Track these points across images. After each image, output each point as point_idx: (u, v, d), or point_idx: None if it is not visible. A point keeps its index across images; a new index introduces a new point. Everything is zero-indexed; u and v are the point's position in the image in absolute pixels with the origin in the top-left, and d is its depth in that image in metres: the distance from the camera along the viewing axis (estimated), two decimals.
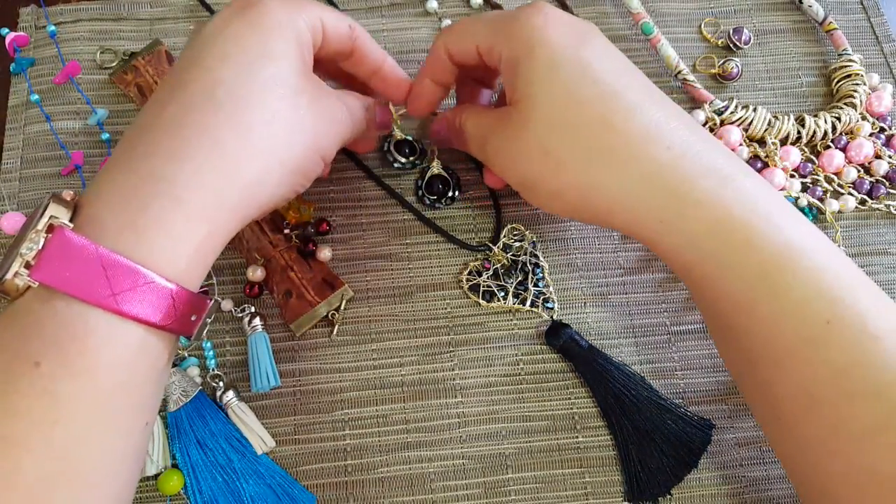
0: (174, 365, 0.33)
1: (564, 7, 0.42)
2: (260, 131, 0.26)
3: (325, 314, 0.34)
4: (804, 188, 0.39)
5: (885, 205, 0.38)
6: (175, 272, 0.23)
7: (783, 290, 0.25)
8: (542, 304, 0.35)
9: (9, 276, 0.22)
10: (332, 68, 0.34)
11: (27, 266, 0.22)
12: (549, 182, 0.29)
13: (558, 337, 0.34)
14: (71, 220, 0.23)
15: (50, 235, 0.22)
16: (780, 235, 0.26)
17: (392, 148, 0.37)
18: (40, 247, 0.22)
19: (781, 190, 0.38)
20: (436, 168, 0.37)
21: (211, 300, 0.26)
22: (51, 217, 0.22)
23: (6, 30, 0.40)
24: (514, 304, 0.35)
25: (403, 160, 0.37)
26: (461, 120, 0.33)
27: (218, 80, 0.25)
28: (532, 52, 0.28)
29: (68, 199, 0.23)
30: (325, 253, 0.35)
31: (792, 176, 0.39)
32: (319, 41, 0.29)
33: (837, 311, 0.24)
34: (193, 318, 0.25)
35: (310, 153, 0.28)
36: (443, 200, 0.37)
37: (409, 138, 0.38)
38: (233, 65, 0.26)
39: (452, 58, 0.32)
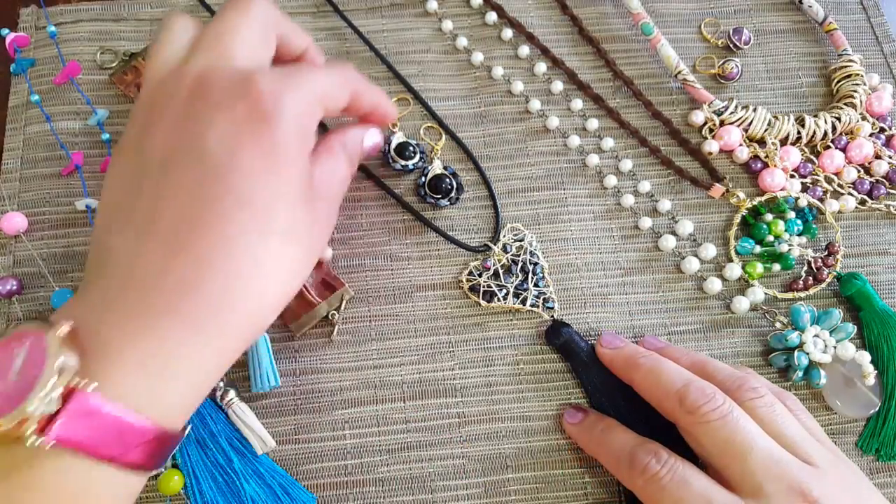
0: None
1: (564, 8, 0.42)
2: (276, 288, 0.25)
3: (325, 314, 0.34)
4: (804, 188, 0.39)
5: (885, 205, 0.38)
6: (176, 422, 0.24)
7: None
8: (542, 303, 0.35)
9: (29, 432, 0.20)
10: None
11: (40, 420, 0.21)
12: None
13: (558, 335, 0.34)
14: (81, 368, 0.22)
15: (69, 395, 0.21)
16: None
17: (393, 151, 0.37)
18: (58, 406, 0.21)
19: (781, 191, 0.38)
20: (437, 168, 0.37)
21: (186, 430, 0.26)
22: (64, 370, 0.21)
23: (6, 30, 0.40)
24: (514, 304, 0.35)
25: (405, 162, 0.37)
26: (670, 475, 0.28)
27: (233, 235, 0.24)
28: None
29: (67, 330, 0.22)
30: (325, 253, 0.35)
31: (792, 176, 0.39)
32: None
33: None
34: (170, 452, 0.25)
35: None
36: (447, 198, 0.37)
37: (410, 141, 0.38)
38: (249, 215, 0.24)
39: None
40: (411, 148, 0.37)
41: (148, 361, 0.23)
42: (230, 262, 0.24)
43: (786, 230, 0.37)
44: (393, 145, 0.37)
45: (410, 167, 0.37)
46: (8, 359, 0.22)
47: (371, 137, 0.32)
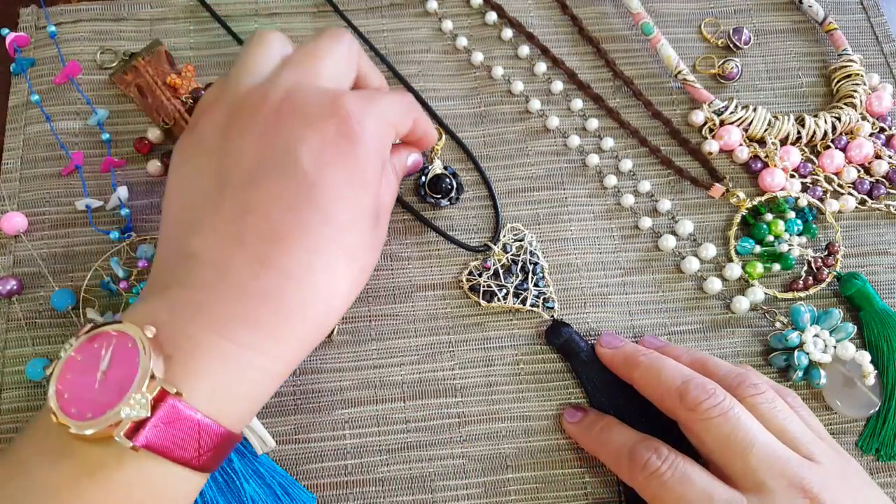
0: None
1: (564, 8, 0.42)
2: (341, 300, 0.26)
3: None
4: (804, 188, 0.39)
5: (885, 205, 0.38)
6: (239, 425, 0.25)
7: None
8: (542, 303, 0.35)
9: (120, 434, 0.21)
10: None
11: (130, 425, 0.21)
12: None
13: (558, 335, 0.34)
14: (165, 375, 0.22)
15: (159, 401, 0.21)
16: None
17: None
18: (149, 413, 0.21)
19: (781, 190, 0.38)
20: (437, 167, 0.37)
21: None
22: (154, 375, 0.21)
23: (6, 30, 0.40)
24: (514, 304, 0.35)
25: None
26: (671, 471, 0.28)
27: (315, 250, 0.25)
28: None
29: (151, 335, 0.22)
30: None
31: (792, 176, 0.39)
32: None
33: None
34: None
35: None
36: (448, 198, 0.37)
37: None
38: (330, 230, 0.25)
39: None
40: None
41: (227, 369, 0.23)
42: (310, 275, 0.25)
43: (786, 230, 0.37)
44: None
45: None
46: (94, 358, 0.22)
47: (413, 157, 0.34)
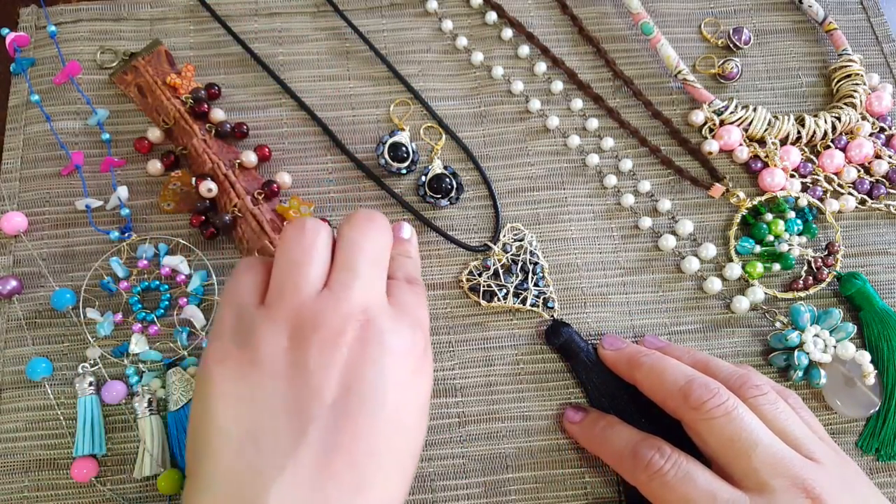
0: (174, 364, 0.33)
1: (564, 8, 0.42)
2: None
3: None
4: (804, 188, 0.39)
5: (885, 205, 0.38)
6: None
7: None
8: (543, 303, 0.35)
9: None
10: None
11: None
12: None
13: (558, 335, 0.34)
14: None
15: None
16: None
17: (387, 154, 0.37)
18: None
19: (781, 190, 0.38)
20: (437, 167, 0.37)
21: None
22: None
23: (6, 30, 0.40)
24: (514, 303, 0.35)
25: (398, 165, 0.37)
26: (674, 470, 0.27)
27: (384, 496, 0.24)
28: None
29: None
30: None
31: (792, 176, 0.39)
32: None
33: None
34: None
35: None
36: (448, 198, 0.37)
37: (403, 142, 0.37)
38: (397, 475, 0.25)
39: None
40: (403, 149, 0.37)
41: None
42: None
43: (786, 230, 0.37)
44: (386, 149, 0.37)
45: (404, 171, 0.37)
46: None
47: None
